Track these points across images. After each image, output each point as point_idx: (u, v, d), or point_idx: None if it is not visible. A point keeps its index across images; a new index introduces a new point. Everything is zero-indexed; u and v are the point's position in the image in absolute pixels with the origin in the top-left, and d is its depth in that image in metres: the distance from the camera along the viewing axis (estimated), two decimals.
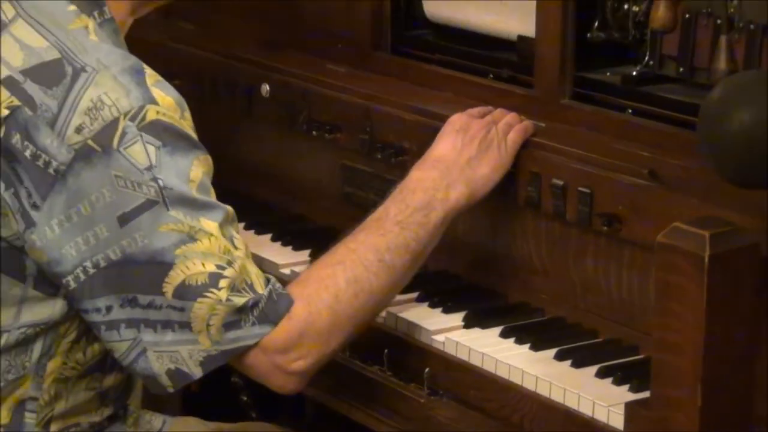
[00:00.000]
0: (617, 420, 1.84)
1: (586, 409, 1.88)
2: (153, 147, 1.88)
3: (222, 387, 2.70)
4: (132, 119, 1.88)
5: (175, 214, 1.88)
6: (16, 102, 1.89)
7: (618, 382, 1.92)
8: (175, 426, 2.24)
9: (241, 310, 1.90)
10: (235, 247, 1.92)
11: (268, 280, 1.95)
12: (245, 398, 2.70)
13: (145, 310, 1.90)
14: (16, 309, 1.96)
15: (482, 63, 2.41)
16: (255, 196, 2.56)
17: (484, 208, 2.17)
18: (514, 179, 2.15)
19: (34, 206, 1.89)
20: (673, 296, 1.69)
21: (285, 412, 2.49)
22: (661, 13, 2.04)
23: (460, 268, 2.26)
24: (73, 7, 1.99)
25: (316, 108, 2.46)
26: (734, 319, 1.69)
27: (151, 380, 1.95)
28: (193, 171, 1.92)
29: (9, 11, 1.99)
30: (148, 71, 1.96)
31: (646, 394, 1.81)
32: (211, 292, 1.89)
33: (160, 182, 1.88)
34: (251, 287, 1.91)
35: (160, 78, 1.96)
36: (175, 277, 1.88)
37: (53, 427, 2.04)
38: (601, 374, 1.95)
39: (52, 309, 1.97)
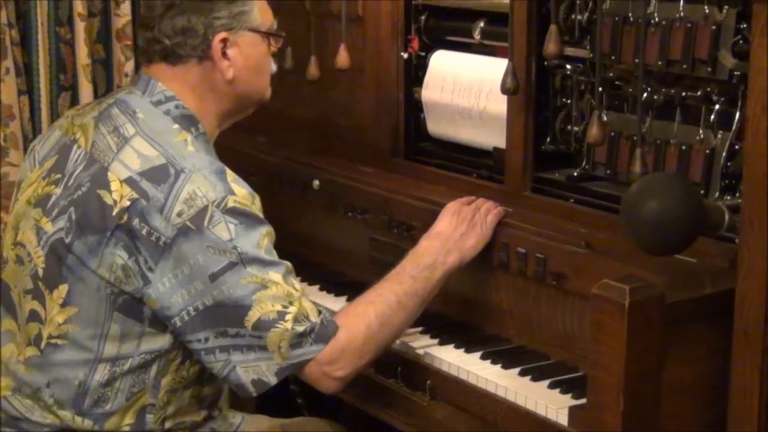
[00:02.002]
0: (563, 419, 1.83)
1: (541, 411, 1.87)
2: (233, 225, 1.89)
3: (283, 393, 2.69)
4: (217, 206, 1.89)
5: (250, 270, 1.88)
6: (135, 195, 1.90)
7: (564, 392, 1.91)
8: (251, 421, 2.23)
9: (302, 335, 1.90)
10: (295, 290, 1.93)
11: (320, 312, 1.95)
12: (299, 401, 2.68)
13: (233, 338, 1.90)
14: (137, 341, 1.96)
15: (468, 166, 2.41)
16: (307, 258, 2.56)
17: (469, 267, 2.16)
18: (491, 247, 2.15)
19: (149, 269, 1.89)
20: (603, 331, 1.69)
21: (327, 410, 2.47)
22: (594, 132, 2.03)
23: (452, 310, 2.24)
24: (176, 126, 2.00)
25: (351, 197, 2.46)
26: (646, 348, 1.69)
27: (240, 388, 1.94)
28: (261, 240, 1.92)
29: (130, 129, 1.98)
30: (229, 172, 1.96)
31: (583, 401, 1.81)
32: (280, 324, 1.89)
33: (239, 249, 1.88)
34: (308, 317, 1.91)
35: (237, 177, 1.97)
36: (253, 315, 1.88)
37: (166, 424, 2.03)
38: (552, 386, 1.94)
39: (163, 341, 1.96)
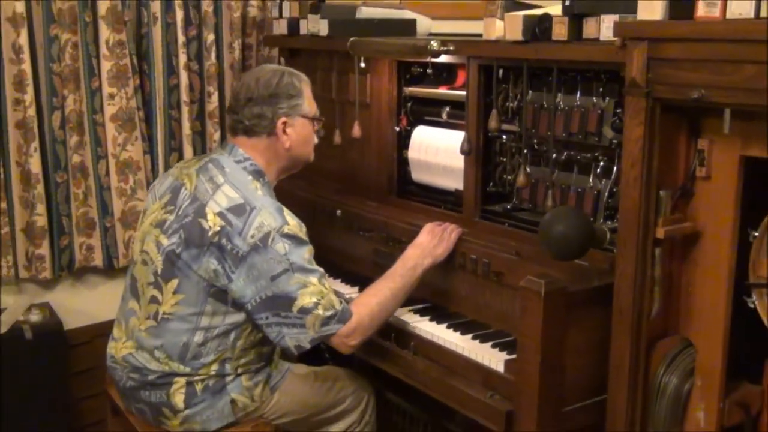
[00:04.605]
0: (501, 368, 1.84)
1: (486, 363, 1.88)
2: (287, 244, 1.90)
3: (316, 348, 2.68)
4: (277, 232, 1.89)
5: (297, 275, 1.89)
6: (223, 223, 1.91)
7: (501, 350, 1.92)
8: (295, 368, 2.22)
9: (329, 318, 1.91)
10: (326, 289, 1.93)
11: (341, 302, 1.95)
12: (327, 355, 2.68)
13: (284, 318, 1.91)
14: (223, 316, 1.97)
15: (439, 201, 2.40)
16: (333, 262, 2.56)
17: (441, 269, 2.16)
18: (455, 255, 2.14)
19: (232, 272, 1.90)
20: (527, 311, 1.69)
21: (344, 361, 2.46)
22: (521, 179, 2.05)
23: (429, 297, 2.23)
24: (250, 177, 2.01)
25: (362, 221, 2.45)
26: (555, 322, 1.69)
27: (287, 350, 1.96)
28: (305, 254, 1.92)
29: (221, 179, 1.99)
30: (285, 209, 1.97)
31: (514, 356, 1.81)
32: (315, 311, 1.90)
33: (290, 260, 1.89)
34: (333, 306, 1.92)
35: (290, 212, 1.98)
36: (298, 304, 1.89)
37: (239, 370, 2.03)
38: (493, 346, 1.94)
39: (240, 316, 1.97)
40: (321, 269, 1.96)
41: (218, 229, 1.90)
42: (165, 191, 2.08)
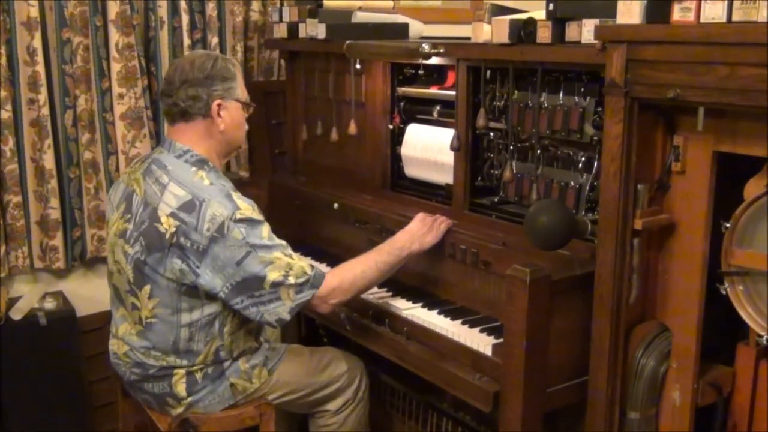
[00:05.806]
0: (489, 351, 1.83)
1: (474, 346, 1.87)
2: (242, 228, 1.86)
3: (314, 332, 2.68)
4: (230, 219, 1.86)
5: (261, 254, 1.86)
6: (177, 223, 1.87)
7: (489, 334, 1.91)
8: (291, 348, 2.21)
9: (302, 284, 1.89)
10: (292, 259, 1.91)
11: (312, 267, 1.93)
12: (325, 339, 2.67)
13: (258, 298, 1.88)
14: (201, 309, 1.94)
15: (430, 195, 2.40)
16: (330, 252, 2.55)
17: (433, 258, 2.16)
18: (444, 245, 2.14)
19: (197, 267, 1.87)
20: (513, 297, 1.69)
21: (341, 344, 2.46)
22: (507, 174, 2.05)
23: (421, 284, 2.23)
24: (194, 169, 1.94)
25: (357, 213, 2.44)
26: (539, 308, 1.69)
27: (269, 324, 1.94)
28: (263, 232, 1.89)
29: (165, 178, 1.93)
30: (234, 192, 1.91)
31: (501, 340, 1.80)
32: (287, 282, 1.88)
33: (250, 242, 1.86)
34: (304, 272, 1.91)
35: (239, 194, 1.92)
36: (268, 281, 1.87)
37: (234, 354, 2.01)
38: (482, 331, 1.93)
39: (217, 305, 1.95)
40: (283, 242, 1.93)
41: (174, 229, 1.86)
42: (120, 200, 2.02)
